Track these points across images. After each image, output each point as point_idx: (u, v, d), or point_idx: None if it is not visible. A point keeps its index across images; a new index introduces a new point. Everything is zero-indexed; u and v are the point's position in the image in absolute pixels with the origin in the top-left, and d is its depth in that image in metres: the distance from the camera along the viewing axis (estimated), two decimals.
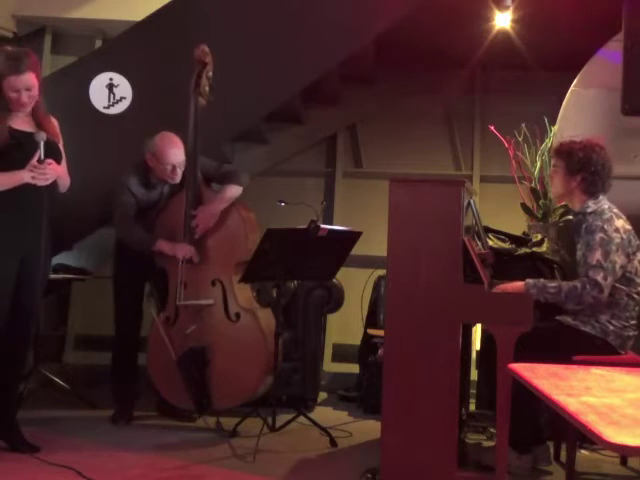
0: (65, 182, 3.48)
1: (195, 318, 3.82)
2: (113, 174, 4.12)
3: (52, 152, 3.33)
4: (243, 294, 3.91)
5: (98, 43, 5.62)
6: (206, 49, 3.84)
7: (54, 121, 3.46)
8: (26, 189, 3.25)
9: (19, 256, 3.29)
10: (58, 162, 3.37)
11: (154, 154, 3.87)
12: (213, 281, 3.84)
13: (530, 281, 3.20)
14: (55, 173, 3.33)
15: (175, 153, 3.85)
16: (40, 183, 3.26)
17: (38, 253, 3.30)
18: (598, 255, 3.13)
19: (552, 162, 3.48)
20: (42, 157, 3.25)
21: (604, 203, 3.30)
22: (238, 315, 3.82)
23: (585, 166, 3.28)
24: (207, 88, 3.83)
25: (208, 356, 3.77)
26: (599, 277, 3.11)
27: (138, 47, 4.51)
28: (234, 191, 3.93)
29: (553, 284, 3.18)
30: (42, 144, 3.24)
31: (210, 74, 3.84)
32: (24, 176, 3.23)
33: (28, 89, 3.24)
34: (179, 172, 3.90)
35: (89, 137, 4.40)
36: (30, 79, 3.23)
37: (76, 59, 5.11)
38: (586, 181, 3.29)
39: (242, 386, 3.76)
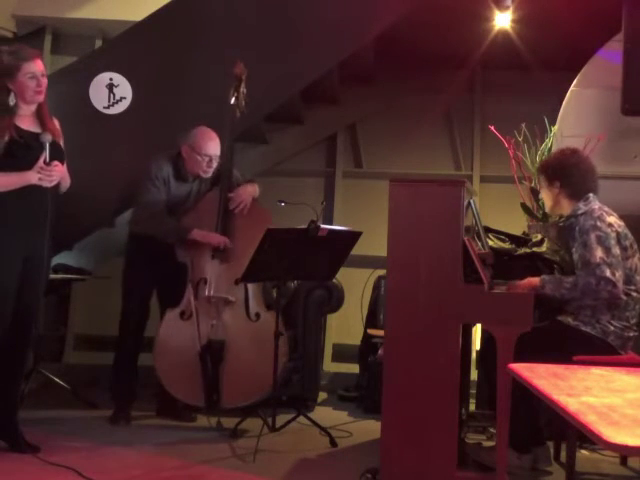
0: (66, 183, 3.49)
1: (213, 314, 3.83)
2: (113, 174, 4.12)
3: (56, 153, 3.33)
4: (259, 296, 3.93)
5: (98, 43, 5.62)
6: (243, 66, 3.96)
7: (56, 121, 3.47)
8: (32, 190, 3.25)
9: (23, 256, 3.28)
10: (62, 163, 3.37)
11: (192, 146, 3.93)
12: (236, 280, 3.84)
13: (546, 277, 3.22)
14: (60, 175, 3.34)
15: (213, 145, 3.95)
16: (46, 184, 3.27)
17: (42, 254, 3.31)
18: (600, 253, 3.14)
19: (539, 182, 3.58)
20: (47, 159, 3.25)
21: (594, 203, 3.33)
22: (258, 315, 3.85)
23: (559, 173, 3.38)
24: (243, 102, 3.95)
25: (223, 352, 3.79)
26: (607, 273, 3.10)
27: (138, 47, 4.52)
28: (256, 187, 4.07)
29: (569, 279, 3.19)
30: (47, 145, 3.25)
31: (245, 90, 3.96)
32: (32, 177, 3.23)
33: (43, 75, 3.29)
34: (214, 165, 3.98)
35: (89, 137, 4.40)
36: (42, 64, 3.30)
37: (76, 59, 5.11)
38: (565, 187, 3.37)
39: (254, 385, 3.76)
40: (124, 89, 4.41)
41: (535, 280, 3.20)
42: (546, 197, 3.50)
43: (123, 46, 4.58)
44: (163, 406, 4.05)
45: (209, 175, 4.01)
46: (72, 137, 4.30)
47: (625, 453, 2.76)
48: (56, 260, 4.52)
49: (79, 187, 4.27)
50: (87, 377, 4.76)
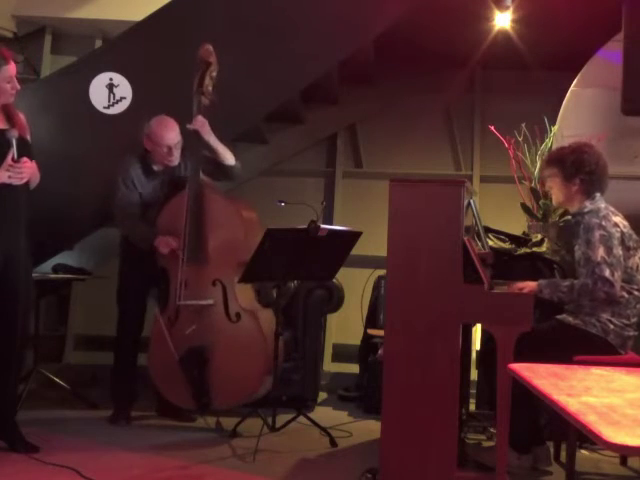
0: (36, 179, 3.39)
1: (195, 318, 3.81)
2: (113, 175, 4.11)
3: (24, 149, 3.24)
4: (244, 294, 3.90)
5: (98, 43, 5.62)
6: (210, 49, 3.86)
7: (22, 116, 3.38)
8: (2, 188, 3.16)
9: (2, 255, 3.20)
10: (31, 159, 3.27)
11: (150, 137, 3.94)
12: (214, 281, 3.82)
13: (543, 281, 3.21)
14: (30, 171, 3.26)
15: (170, 136, 3.92)
16: (16, 182, 3.19)
17: (19, 252, 3.25)
18: (601, 252, 3.13)
19: (546, 173, 3.49)
20: (15, 155, 3.17)
21: (601, 202, 3.31)
22: (239, 315, 3.81)
23: (580, 168, 3.31)
24: (210, 88, 3.85)
25: (208, 355, 3.76)
26: (606, 273, 3.10)
27: (138, 47, 4.51)
28: (229, 155, 3.98)
29: (565, 283, 3.20)
30: (14, 141, 3.17)
31: (214, 74, 3.86)
32: (1, 175, 3.14)
33: (17, 78, 3.25)
34: (175, 154, 3.95)
35: (89, 137, 4.40)
36: (15, 67, 3.25)
37: (76, 59, 5.11)
38: (585, 182, 3.32)
39: (242, 386, 3.75)
40: (124, 89, 4.41)
41: (532, 284, 3.20)
42: (558, 191, 3.39)
43: (123, 46, 4.58)
44: (163, 406, 4.04)
45: (174, 163, 3.98)
46: (72, 137, 4.32)
47: (625, 453, 2.77)
48: (56, 260, 4.53)
49: (79, 187, 4.29)
50: (87, 377, 4.76)
